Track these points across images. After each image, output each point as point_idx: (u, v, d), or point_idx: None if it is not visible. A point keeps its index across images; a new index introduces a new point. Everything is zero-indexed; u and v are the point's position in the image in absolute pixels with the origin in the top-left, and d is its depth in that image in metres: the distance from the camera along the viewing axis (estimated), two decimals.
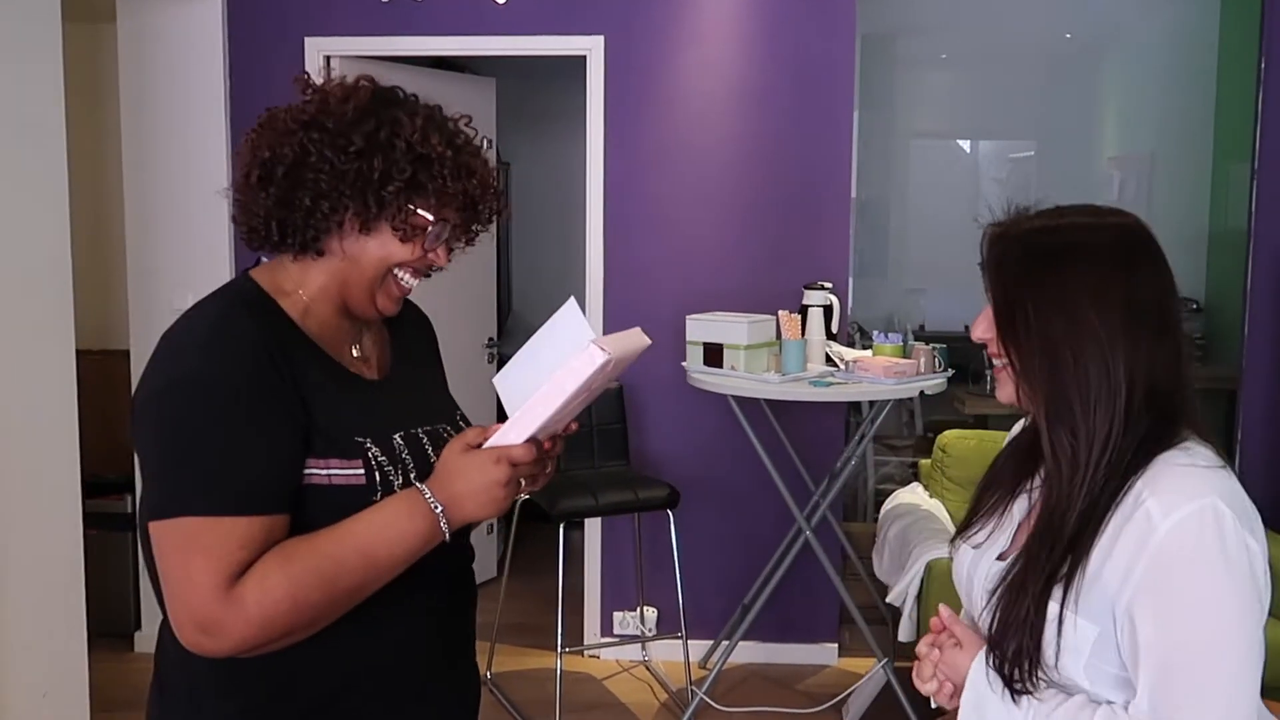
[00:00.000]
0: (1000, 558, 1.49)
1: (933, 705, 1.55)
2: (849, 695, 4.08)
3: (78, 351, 3.26)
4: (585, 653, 4.60)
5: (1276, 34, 4.29)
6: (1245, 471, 4.26)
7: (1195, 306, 5.85)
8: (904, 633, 3.78)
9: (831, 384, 3.74)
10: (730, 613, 4.47)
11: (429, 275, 1.58)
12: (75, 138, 3.31)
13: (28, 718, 3.05)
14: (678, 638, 4.24)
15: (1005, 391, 1.45)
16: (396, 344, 1.64)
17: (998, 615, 1.39)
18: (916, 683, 1.52)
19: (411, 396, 1.59)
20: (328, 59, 4.45)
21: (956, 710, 1.46)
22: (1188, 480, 1.30)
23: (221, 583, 1.29)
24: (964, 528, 1.58)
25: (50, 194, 3.15)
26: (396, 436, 1.47)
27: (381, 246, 1.47)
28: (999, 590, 1.40)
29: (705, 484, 4.47)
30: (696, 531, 4.47)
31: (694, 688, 4.07)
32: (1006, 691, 1.36)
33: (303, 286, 1.49)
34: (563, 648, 3.94)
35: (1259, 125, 4.36)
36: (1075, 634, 1.33)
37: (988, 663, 1.40)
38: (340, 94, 1.46)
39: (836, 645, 4.57)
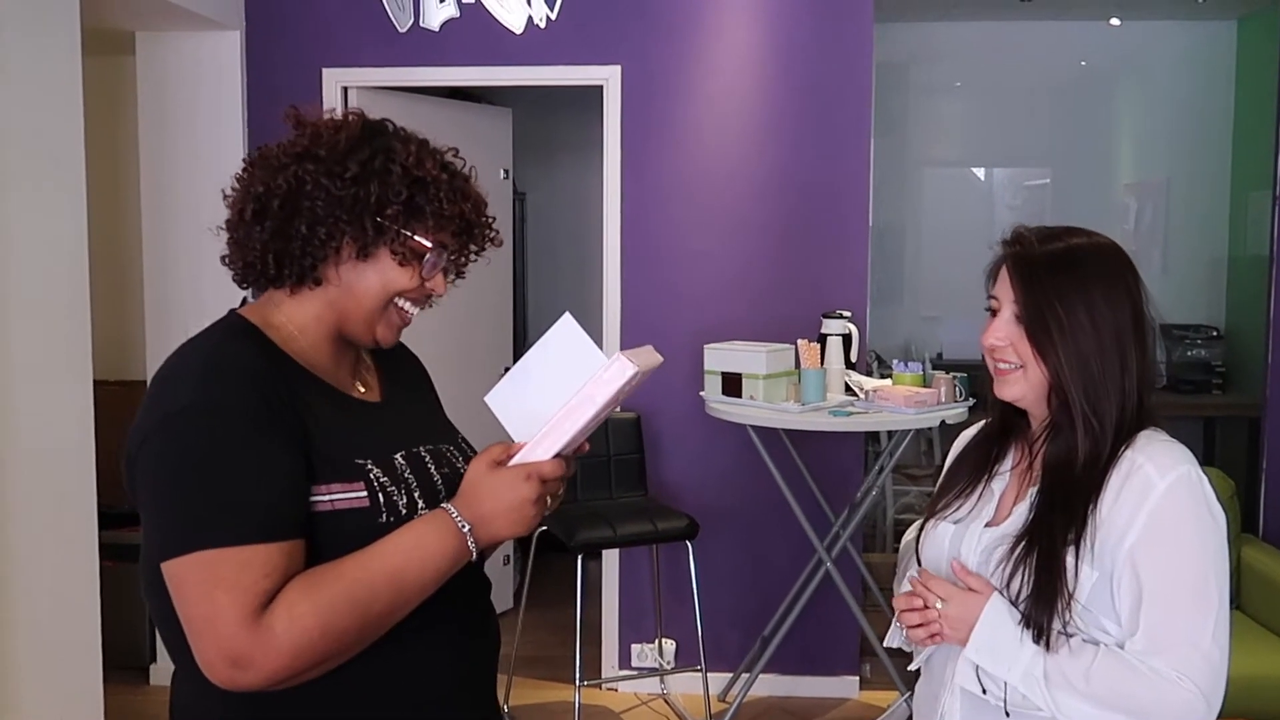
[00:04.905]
0: (989, 525, 1.66)
1: (899, 645, 1.74)
2: None
3: (95, 382, 3.26)
4: (603, 685, 4.56)
5: None
6: (1270, 499, 4.21)
7: (1216, 334, 5.80)
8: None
9: (852, 414, 3.71)
10: (749, 645, 4.42)
11: (429, 304, 1.57)
12: (94, 170, 3.32)
13: None
14: (697, 670, 4.19)
15: (1013, 390, 1.63)
16: (387, 372, 1.63)
17: (1012, 567, 1.55)
18: (901, 617, 1.63)
19: (411, 417, 1.58)
20: (345, 90, 4.47)
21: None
22: (1172, 451, 1.56)
23: (249, 615, 1.26)
24: (935, 508, 1.75)
25: (69, 226, 3.16)
26: (398, 456, 1.45)
27: (380, 274, 1.46)
28: (1016, 544, 1.57)
29: (724, 515, 4.44)
30: (715, 562, 4.44)
31: None
32: (1024, 631, 1.52)
33: (293, 318, 1.48)
34: (580, 680, 3.90)
35: (1279, 153, 4.34)
36: (1083, 580, 1.52)
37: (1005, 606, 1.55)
38: (331, 126, 1.47)
39: (858, 678, 4.52)
